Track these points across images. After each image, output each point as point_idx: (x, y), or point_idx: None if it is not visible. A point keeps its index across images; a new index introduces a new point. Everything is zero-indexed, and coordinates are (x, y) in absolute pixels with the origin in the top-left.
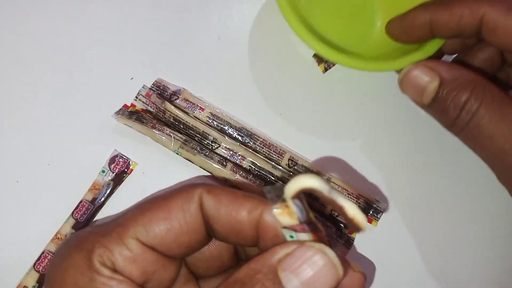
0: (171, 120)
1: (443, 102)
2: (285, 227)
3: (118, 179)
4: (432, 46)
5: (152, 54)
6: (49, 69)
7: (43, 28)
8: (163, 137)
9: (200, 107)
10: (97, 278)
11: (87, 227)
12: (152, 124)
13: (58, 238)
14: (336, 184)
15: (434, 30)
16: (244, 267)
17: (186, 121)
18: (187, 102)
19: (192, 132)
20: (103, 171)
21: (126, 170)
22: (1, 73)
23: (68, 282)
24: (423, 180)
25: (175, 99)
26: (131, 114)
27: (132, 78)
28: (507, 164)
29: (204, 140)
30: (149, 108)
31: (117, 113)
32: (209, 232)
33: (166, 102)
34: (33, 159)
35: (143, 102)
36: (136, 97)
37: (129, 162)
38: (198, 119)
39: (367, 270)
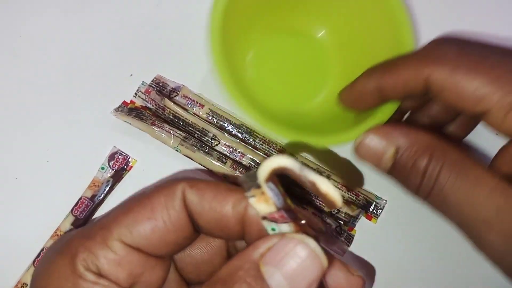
0: (171, 117)
1: (403, 169)
2: (265, 218)
3: (117, 176)
4: (387, 110)
5: (151, 50)
6: (48, 66)
7: (42, 25)
8: (163, 134)
9: (199, 103)
10: (81, 283)
11: (73, 230)
12: (151, 121)
13: (58, 235)
14: (336, 181)
15: (383, 96)
16: (225, 265)
17: (185, 118)
18: (187, 98)
19: (192, 129)
20: (102, 168)
21: (125, 167)
22: (0, 70)
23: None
24: None
25: (175, 96)
26: (130, 110)
27: (131, 74)
28: (476, 233)
29: (204, 137)
30: (148, 104)
31: (116, 109)
32: (196, 227)
33: (166, 99)
34: (32, 156)
35: (142, 98)
36: (136, 93)
37: (129, 159)
38: (198, 116)
39: (367, 271)
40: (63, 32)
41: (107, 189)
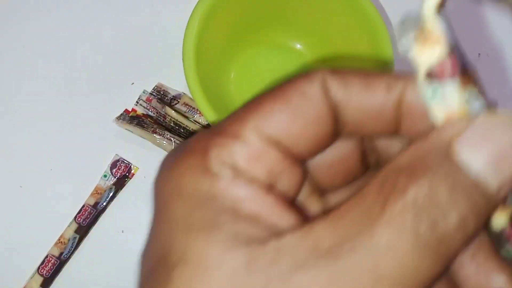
0: (172, 124)
1: None
2: (429, 76)
3: (120, 184)
4: None
5: (152, 59)
6: (50, 75)
7: (44, 34)
8: (164, 142)
9: (200, 111)
10: (218, 183)
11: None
12: (153, 128)
13: (61, 242)
14: None
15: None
16: (405, 152)
17: (186, 125)
18: (187, 106)
19: (192, 135)
20: (105, 176)
21: (127, 174)
22: (3, 78)
23: (185, 191)
24: None
25: (175, 104)
26: (132, 119)
27: (132, 83)
28: None
29: None
30: (149, 112)
31: (118, 118)
32: (337, 125)
33: (167, 106)
34: (35, 165)
35: (143, 107)
36: (137, 102)
37: (131, 166)
38: (198, 123)
39: None
40: (65, 42)
41: (110, 196)
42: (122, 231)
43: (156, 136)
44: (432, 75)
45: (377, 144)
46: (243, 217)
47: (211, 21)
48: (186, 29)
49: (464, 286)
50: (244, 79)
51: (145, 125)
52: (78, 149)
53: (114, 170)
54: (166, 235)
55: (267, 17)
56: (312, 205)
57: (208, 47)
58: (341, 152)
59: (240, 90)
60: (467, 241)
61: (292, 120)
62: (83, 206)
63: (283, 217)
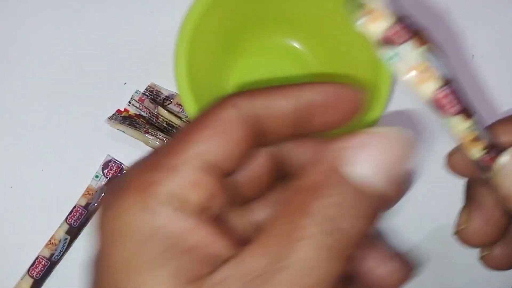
0: (164, 124)
1: None
2: (381, 42)
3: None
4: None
5: (145, 59)
6: (42, 75)
7: (35, 33)
8: (157, 142)
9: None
10: (158, 218)
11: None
12: (145, 129)
13: (52, 243)
14: None
15: None
16: (305, 173)
17: (179, 126)
18: (180, 106)
19: None
20: (96, 176)
21: (119, 175)
22: None
23: (126, 231)
24: None
25: (168, 104)
26: (124, 119)
27: (125, 83)
28: None
29: None
30: (142, 113)
31: (110, 118)
32: (256, 137)
33: (159, 107)
34: (26, 165)
35: (136, 107)
36: (129, 102)
37: (122, 167)
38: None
39: None
40: (57, 41)
41: (102, 197)
42: None
43: (148, 136)
44: (387, 40)
45: (292, 155)
46: (184, 251)
47: (204, 25)
48: (178, 36)
49: (368, 275)
50: (245, 81)
51: (138, 126)
52: (70, 149)
53: (106, 171)
54: (111, 279)
55: (264, 16)
56: (242, 219)
57: (201, 53)
58: (260, 166)
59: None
60: (364, 237)
61: (216, 145)
62: (74, 207)
63: (220, 245)
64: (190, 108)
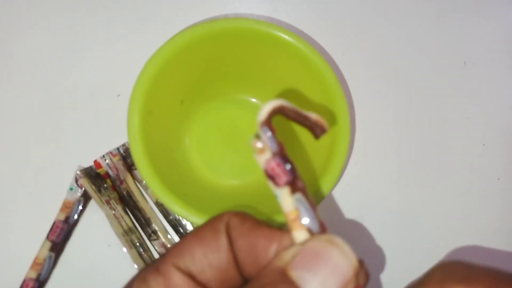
0: (124, 193)
1: None
2: (268, 176)
3: (88, 194)
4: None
5: (139, 70)
6: (29, 86)
7: (27, 43)
8: (112, 215)
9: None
10: None
11: None
12: (106, 198)
13: (37, 263)
14: None
15: None
16: (255, 277)
17: (137, 201)
18: None
19: (139, 213)
20: (71, 189)
21: None
22: None
23: None
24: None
25: (135, 169)
26: (95, 177)
27: (119, 95)
28: None
29: (146, 227)
30: (110, 171)
31: (84, 171)
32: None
33: (128, 173)
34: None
35: (107, 163)
36: (103, 156)
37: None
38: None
39: None
40: (50, 51)
41: (80, 208)
42: (107, 243)
43: (106, 207)
44: (269, 176)
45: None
46: None
47: (161, 83)
48: (129, 109)
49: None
50: (203, 141)
51: (102, 190)
52: (40, 164)
53: (79, 182)
54: None
55: (218, 75)
56: None
57: (159, 104)
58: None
59: (200, 154)
60: None
61: (203, 253)
62: (54, 222)
63: None
64: (144, 169)
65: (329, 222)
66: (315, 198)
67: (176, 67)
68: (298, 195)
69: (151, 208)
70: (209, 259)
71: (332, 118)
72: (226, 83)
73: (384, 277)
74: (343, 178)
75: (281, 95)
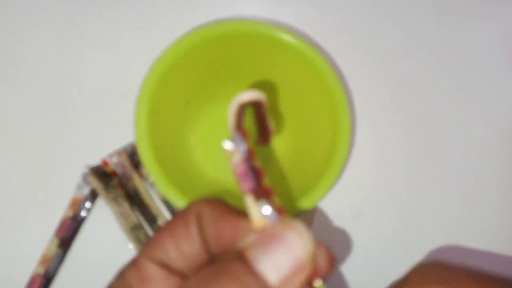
0: (131, 191)
1: None
2: (237, 177)
3: (95, 192)
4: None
5: (144, 71)
6: (37, 87)
7: (35, 45)
8: (119, 212)
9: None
10: None
11: None
12: (113, 195)
13: (45, 259)
14: None
15: None
16: (210, 265)
17: (143, 198)
18: None
19: (145, 210)
20: (79, 187)
21: None
22: None
23: None
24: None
25: (142, 167)
26: (103, 176)
27: (125, 95)
28: None
29: (153, 224)
30: (117, 169)
31: (91, 170)
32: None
33: (134, 171)
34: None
35: (113, 162)
36: (111, 155)
37: None
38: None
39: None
40: (55, 53)
41: (88, 205)
42: (114, 240)
43: (114, 205)
44: (237, 179)
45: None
46: None
47: (167, 82)
48: (136, 109)
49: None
50: (207, 139)
51: (110, 188)
52: (49, 162)
53: (87, 180)
54: None
55: (222, 75)
56: None
57: (164, 106)
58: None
59: (204, 152)
60: None
61: (174, 243)
62: (62, 219)
63: None
64: (151, 167)
65: (329, 221)
66: (315, 198)
67: (182, 68)
68: (263, 202)
69: (157, 205)
70: (181, 248)
71: (333, 118)
72: (230, 83)
73: (384, 277)
74: (343, 178)
75: (283, 94)
